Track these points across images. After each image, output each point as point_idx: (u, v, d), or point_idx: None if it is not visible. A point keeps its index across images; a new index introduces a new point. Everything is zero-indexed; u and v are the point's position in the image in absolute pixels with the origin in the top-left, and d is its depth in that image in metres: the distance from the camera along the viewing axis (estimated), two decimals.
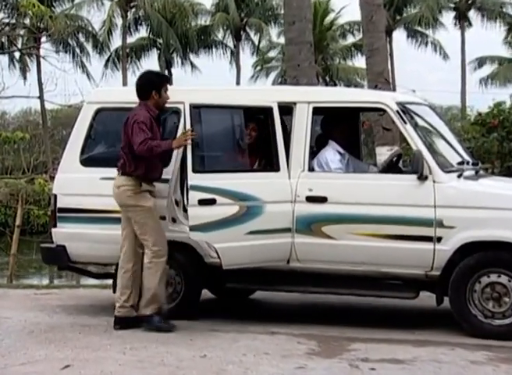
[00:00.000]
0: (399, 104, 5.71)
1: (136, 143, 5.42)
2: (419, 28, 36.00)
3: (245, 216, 5.51)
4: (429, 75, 58.16)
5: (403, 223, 5.45)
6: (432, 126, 6.11)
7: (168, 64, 36.45)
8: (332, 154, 5.96)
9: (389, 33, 32.48)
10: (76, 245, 6.08)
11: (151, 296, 5.47)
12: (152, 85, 5.60)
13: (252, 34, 37.74)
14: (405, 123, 5.60)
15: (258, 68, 37.94)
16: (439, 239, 5.37)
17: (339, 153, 6.01)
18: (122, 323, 5.55)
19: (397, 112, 5.64)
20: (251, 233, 5.52)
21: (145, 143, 5.41)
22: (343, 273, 5.65)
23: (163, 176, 5.75)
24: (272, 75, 37.78)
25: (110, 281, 6.34)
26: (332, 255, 5.60)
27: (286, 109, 5.87)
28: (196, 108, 5.55)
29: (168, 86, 5.72)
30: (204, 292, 6.22)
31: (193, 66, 37.37)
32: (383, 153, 9.32)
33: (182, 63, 36.92)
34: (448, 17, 36.37)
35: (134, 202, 5.49)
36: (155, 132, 5.56)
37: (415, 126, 5.66)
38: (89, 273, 6.74)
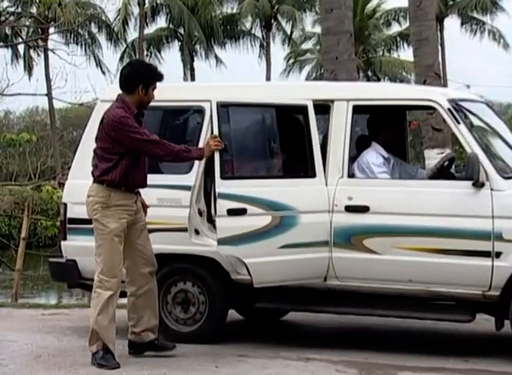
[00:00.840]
0: (451, 101, 5.68)
1: (143, 145, 5.24)
2: (475, 14, 35.79)
3: (278, 227, 5.52)
4: (486, 68, 57.69)
5: (456, 236, 5.42)
6: (489, 126, 6.08)
7: (192, 57, 36.65)
8: (374, 157, 5.96)
9: (440, 20, 32.41)
10: (88, 260, 6.10)
11: (90, 331, 5.37)
12: (141, 78, 5.36)
13: (284, 23, 37.86)
14: (458, 122, 5.58)
15: (291, 61, 38.04)
16: (498, 254, 5.34)
17: (383, 157, 6.00)
18: (135, 348, 5.58)
19: (449, 110, 5.62)
20: (285, 246, 5.53)
21: (161, 145, 5.27)
22: (387, 293, 5.63)
23: (184, 183, 5.79)
24: (307, 69, 37.87)
25: (125, 300, 6.39)
26: (374, 272, 5.59)
27: (323, 108, 5.88)
28: (224, 107, 5.54)
29: (192, 82, 5.77)
30: (231, 313, 6.24)
31: (217, 59, 37.56)
32: (433, 157, 9.28)
33: (206, 56, 37.09)
34: (509, 0, 36.17)
35: (97, 218, 5.32)
36: None
37: (470, 126, 5.64)
38: None
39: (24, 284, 12.58)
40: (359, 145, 6.22)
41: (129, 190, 5.37)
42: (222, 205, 5.43)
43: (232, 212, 5.40)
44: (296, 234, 5.56)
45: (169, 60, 54.30)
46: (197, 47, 37.48)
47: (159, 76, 5.44)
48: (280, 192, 5.59)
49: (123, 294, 6.41)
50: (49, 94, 27.39)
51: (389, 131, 6.12)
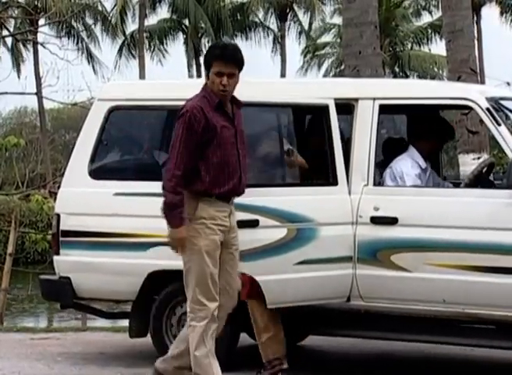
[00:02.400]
0: (490, 100, 5.68)
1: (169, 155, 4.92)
2: None
3: (295, 241, 5.53)
4: None
5: (495, 252, 5.40)
6: None
7: (197, 51, 36.75)
8: (409, 165, 5.92)
9: (476, 9, 32.34)
10: (83, 277, 6.15)
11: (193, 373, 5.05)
12: (205, 59, 5.09)
13: (301, 14, 37.93)
14: (498, 124, 5.57)
15: (308, 56, 38.07)
16: None
17: (420, 167, 5.95)
18: None
19: (487, 109, 5.61)
20: (302, 263, 5.53)
21: (172, 175, 4.85)
22: (417, 315, 5.62)
23: None
24: (326, 65, 37.86)
25: (125, 323, 6.40)
26: (403, 292, 5.58)
27: (345, 107, 5.88)
28: None
29: (199, 79, 5.70)
30: (243, 337, 6.24)
31: None
32: (468, 163, 9.29)
33: None
34: None
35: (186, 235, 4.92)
36: (209, 138, 4.91)
37: None
38: (99, 312, 6.80)
39: (10, 305, 12.61)
40: (386, 149, 6.21)
41: (222, 198, 4.99)
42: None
43: (242, 224, 5.40)
44: (315, 249, 5.56)
45: (173, 54, 54.47)
46: (204, 40, 37.60)
47: (216, 55, 4.95)
48: (297, 202, 5.60)
49: (124, 315, 6.46)
50: (39, 93, 27.47)
51: (432, 138, 6.05)
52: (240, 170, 4.99)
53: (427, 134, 6.03)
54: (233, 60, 4.95)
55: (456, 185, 6.22)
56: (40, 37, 24.27)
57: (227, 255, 5.03)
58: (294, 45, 40.96)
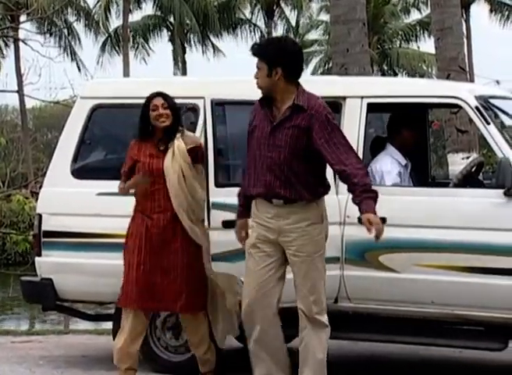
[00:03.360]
0: (479, 98, 5.70)
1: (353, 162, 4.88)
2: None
3: None
4: None
5: (485, 252, 5.42)
6: None
7: (184, 49, 36.72)
8: (388, 164, 5.95)
9: (465, 7, 32.46)
10: (66, 279, 6.14)
11: None
12: None
13: (288, 10, 37.96)
14: (487, 122, 5.59)
15: None
16: None
17: (399, 163, 6.00)
18: None
19: (477, 108, 5.63)
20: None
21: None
22: (406, 316, 5.64)
23: None
24: (313, 63, 37.91)
25: (109, 325, 6.38)
26: (392, 293, 5.59)
27: (333, 106, 5.88)
28: (219, 105, 5.61)
29: (183, 77, 5.75)
30: (231, 340, 6.23)
31: (214, 48, 37.56)
32: (457, 162, 9.31)
33: (202, 47, 37.12)
34: None
35: None
36: None
37: (501, 126, 5.65)
38: (82, 314, 6.79)
39: None
40: (374, 149, 6.23)
41: (259, 198, 5.05)
42: (217, 217, 5.45)
43: (228, 224, 5.40)
44: None
45: (157, 52, 54.46)
46: (190, 37, 37.56)
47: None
48: None
49: (108, 317, 6.46)
50: (20, 91, 27.39)
51: (408, 133, 6.12)
52: (270, 173, 4.95)
53: (402, 131, 6.05)
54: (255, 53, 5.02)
55: (445, 185, 6.24)
56: (21, 34, 24.26)
57: (289, 259, 5.06)
58: None
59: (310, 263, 4.97)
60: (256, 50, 5.00)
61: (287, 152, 4.92)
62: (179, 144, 5.47)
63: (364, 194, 4.82)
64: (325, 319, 5.02)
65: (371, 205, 4.81)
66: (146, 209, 5.48)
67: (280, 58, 4.90)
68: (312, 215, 4.98)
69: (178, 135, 5.51)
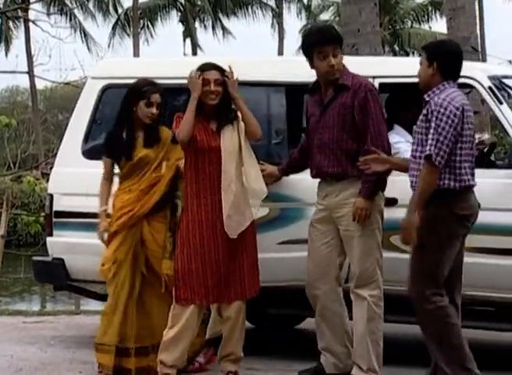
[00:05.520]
0: (492, 78, 5.68)
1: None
2: None
3: (278, 220, 5.59)
4: None
5: (496, 233, 5.43)
6: None
7: (193, 30, 36.62)
8: (396, 139, 5.91)
9: None
10: (77, 259, 6.16)
11: None
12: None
13: None
14: (500, 102, 5.57)
15: None
16: None
17: (408, 142, 5.96)
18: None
19: (490, 88, 5.61)
20: (286, 243, 5.64)
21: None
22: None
23: None
24: None
25: None
26: (403, 274, 5.58)
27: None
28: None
29: (195, 57, 5.74)
30: None
31: (224, 30, 37.45)
32: None
33: (212, 28, 37.00)
34: None
35: None
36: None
37: None
38: (93, 294, 6.81)
39: (2, 288, 12.63)
40: None
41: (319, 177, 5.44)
42: None
43: None
44: (301, 229, 5.59)
45: (167, 33, 54.41)
46: (201, 17, 37.43)
47: (312, 40, 5.30)
48: (281, 181, 5.64)
49: None
50: (30, 72, 27.42)
51: (415, 113, 6.07)
52: (320, 153, 5.29)
53: (410, 109, 6.00)
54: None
55: None
56: (31, 15, 24.22)
57: (341, 235, 5.32)
58: (296, 22, 40.84)
59: (358, 238, 5.22)
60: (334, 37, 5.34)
61: (335, 131, 5.25)
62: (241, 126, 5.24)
63: (364, 177, 5.15)
64: (366, 292, 5.24)
65: (365, 189, 5.17)
66: (199, 191, 5.20)
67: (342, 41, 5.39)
68: None
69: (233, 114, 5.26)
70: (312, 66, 5.32)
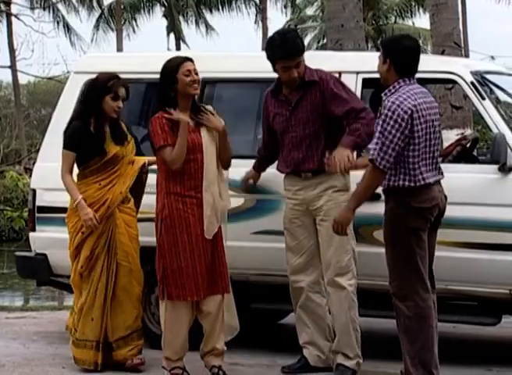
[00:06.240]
0: (474, 74, 5.69)
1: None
2: None
3: (253, 211, 5.74)
4: None
5: (478, 228, 5.45)
6: None
7: (177, 25, 36.53)
8: None
9: None
10: (60, 254, 6.13)
11: None
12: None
13: None
14: (483, 98, 5.58)
15: None
16: None
17: None
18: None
19: (472, 83, 5.62)
20: (261, 233, 5.72)
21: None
22: None
23: None
24: (308, 38, 37.72)
25: None
26: (386, 268, 5.60)
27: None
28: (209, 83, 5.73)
29: (178, 52, 5.77)
30: None
31: (208, 25, 37.41)
32: (451, 138, 9.29)
33: (196, 23, 36.95)
34: None
35: None
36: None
37: (496, 102, 5.65)
38: None
39: None
40: None
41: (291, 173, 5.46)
42: None
43: None
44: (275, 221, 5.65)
45: (151, 28, 54.33)
46: (184, 13, 37.36)
47: (276, 55, 5.32)
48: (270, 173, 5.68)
49: None
50: (13, 67, 27.25)
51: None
52: (295, 150, 5.36)
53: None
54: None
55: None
56: (14, 9, 24.06)
57: (317, 226, 5.38)
58: (281, 18, 40.81)
59: None
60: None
61: (310, 127, 5.32)
62: (220, 119, 5.28)
63: (349, 133, 5.23)
64: (345, 282, 5.29)
65: (348, 139, 5.22)
66: (183, 189, 5.20)
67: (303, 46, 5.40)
68: (338, 183, 5.34)
69: (209, 108, 5.33)
70: (274, 70, 5.39)
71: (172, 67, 5.19)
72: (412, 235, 4.86)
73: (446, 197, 5.03)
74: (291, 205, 5.43)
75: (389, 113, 4.75)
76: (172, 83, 5.17)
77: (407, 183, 4.83)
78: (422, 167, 4.84)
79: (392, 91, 4.87)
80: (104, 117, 5.56)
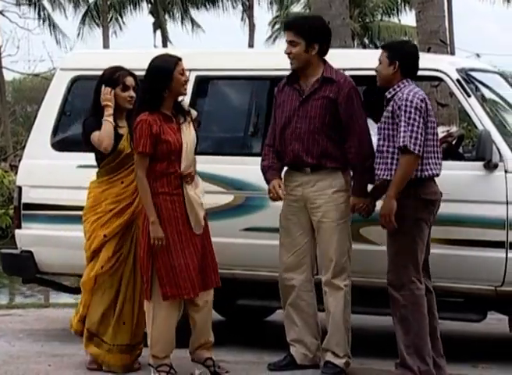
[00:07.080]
0: (460, 71, 5.71)
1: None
2: None
3: (243, 208, 5.73)
4: (500, 35, 57.71)
5: (464, 224, 5.47)
6: (503, 99, 6.12)
7: (163, 22, 36.49)
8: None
9: None
10: (45, 251, 6.14)
11: None
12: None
13: None
14: (468, 95, 5.60)
15: (277, 26, 37.90)
16: None
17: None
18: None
19: (458, 81, 5.64)
20: (251, 230, 5.72)
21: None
22: (387, 288, 5.66)
23: None
24: None
25: None
26: (373, 265, 5.61)
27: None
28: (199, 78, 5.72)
29: (164, 49, 5.77)
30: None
31: (194, 23, 37.39)
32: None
33: (182, 20, 36.91)
34: None
35: None
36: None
37: (481, 99, 5.67)
38: (62, 286, 6.79)
39: None
40: None
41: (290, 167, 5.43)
42: None
43: None
44: (264, 218, 5.68)
45: (136, 25, 54.28)
46: (170, 10, 37.31)
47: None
48: (247, 170, 5.71)
49: None
50: None
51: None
52: (297, 142, 5.30)
53: (379, 103, 6.01)
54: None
55: None
56: None
57: (314, 226, 5.36)
58: (266, 15, 40.83)
59: (334, 229, 5.28)
60: (294, 26, 5.34)
61: (317, 122, 5.28)
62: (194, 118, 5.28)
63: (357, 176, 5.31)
64: (341, 282, 5.31)
65: (361, 186, 5.31)
66: (170, 188, 5.17)
67: (319, 34, 5.30)
68: (337, 183, 5.31)
69: (193, 113, 5.30)
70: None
71: (170, 66, 5.13)
72: (417, 226, 5.05)
73: (441, 193, 5.18)
74: (288, 202, 5.41)
75: (408, 103, 5.01)
76: (167, 82, 5.11)
77: (419, 173, 5.03)
78: (430, 159, 5.08)
79: (397, 89, 5.12)
80: (120, 111, 5.46)
